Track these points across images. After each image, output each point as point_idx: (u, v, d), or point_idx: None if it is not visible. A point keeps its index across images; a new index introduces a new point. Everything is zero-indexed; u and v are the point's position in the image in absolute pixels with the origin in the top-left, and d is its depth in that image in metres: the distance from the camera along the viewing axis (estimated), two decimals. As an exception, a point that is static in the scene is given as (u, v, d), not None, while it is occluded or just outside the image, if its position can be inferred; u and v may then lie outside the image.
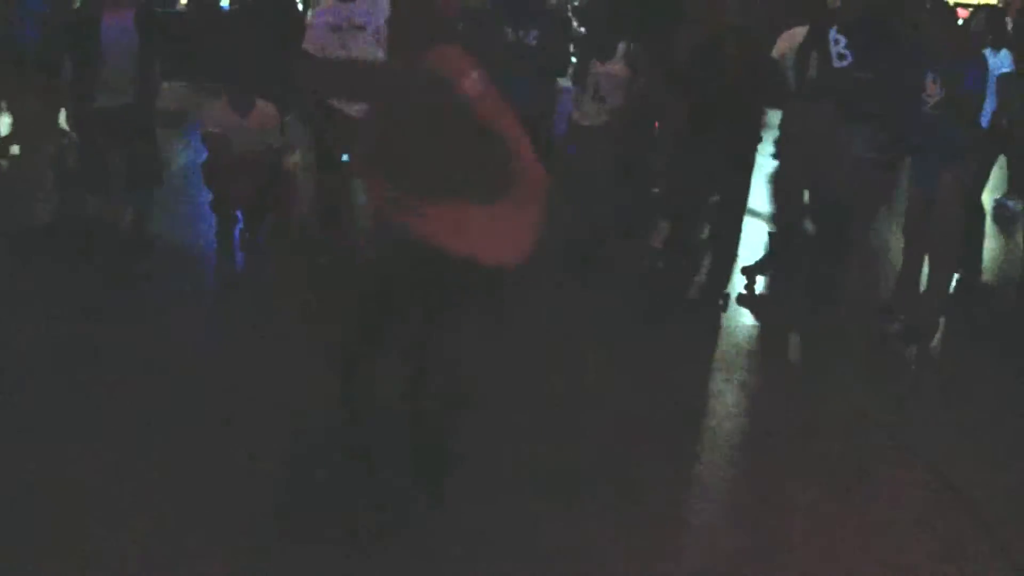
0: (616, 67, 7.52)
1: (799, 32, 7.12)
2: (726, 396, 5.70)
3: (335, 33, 6.79)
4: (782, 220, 7.21)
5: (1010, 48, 8.37)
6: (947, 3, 6.99)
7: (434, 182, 3.83)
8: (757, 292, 7.16)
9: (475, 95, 3.78)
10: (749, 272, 7.25)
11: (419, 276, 4.04)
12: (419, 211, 3.86)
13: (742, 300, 7.02)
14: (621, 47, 7.58)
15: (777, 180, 7.18)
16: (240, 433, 4.76)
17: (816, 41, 6.62)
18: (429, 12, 4.01)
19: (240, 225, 7.33)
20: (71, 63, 6.97)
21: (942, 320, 6.57)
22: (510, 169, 3.82)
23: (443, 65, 3.84)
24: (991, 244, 8.30)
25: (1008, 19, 9.59)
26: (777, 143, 7.44)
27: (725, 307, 6.85)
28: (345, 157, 7.58)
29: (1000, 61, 7.96)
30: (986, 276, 7.78)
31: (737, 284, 7.17)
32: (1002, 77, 7.84)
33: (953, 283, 6.91)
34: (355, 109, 6.71)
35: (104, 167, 7.18)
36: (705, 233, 7.37)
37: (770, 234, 7.36)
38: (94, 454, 4.47)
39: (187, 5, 10.40)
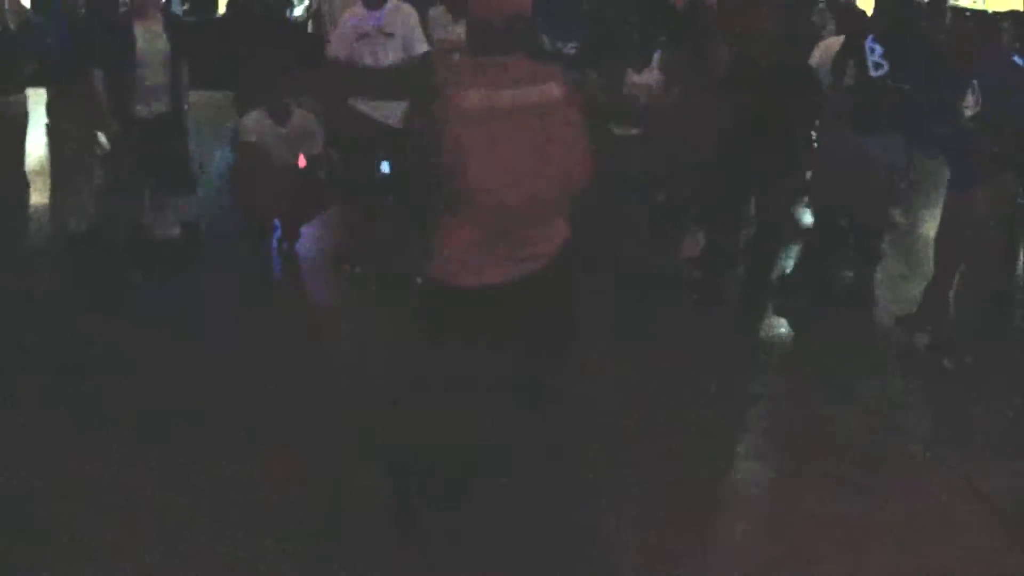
0: (651, 77, 7.56)
1: (836, 42, 7.12)
2: (759, 402, 5.72)
3: (363, 40, 6.88)
4: (819, 228, 7.17)
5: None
6: (984, 11, 6.94)
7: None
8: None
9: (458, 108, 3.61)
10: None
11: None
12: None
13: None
14: (656, 57, 7.63)
15: (813, 189, 7.15)
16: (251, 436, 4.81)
17: (852, 50, 6.60)
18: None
19: (278, 234, 7.40)
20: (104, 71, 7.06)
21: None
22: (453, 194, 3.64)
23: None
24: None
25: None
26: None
27: (760, 316, 6.83)
28: (384, 166, 7.71)
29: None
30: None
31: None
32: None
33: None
34: (382, 114, 6.89)
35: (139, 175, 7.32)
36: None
37: (807, 242, 7.35)
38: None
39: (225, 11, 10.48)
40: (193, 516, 4.17)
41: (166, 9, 7.30)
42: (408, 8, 7.07)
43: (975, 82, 5.87)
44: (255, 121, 7.17)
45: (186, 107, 7.41)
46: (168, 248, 7.29)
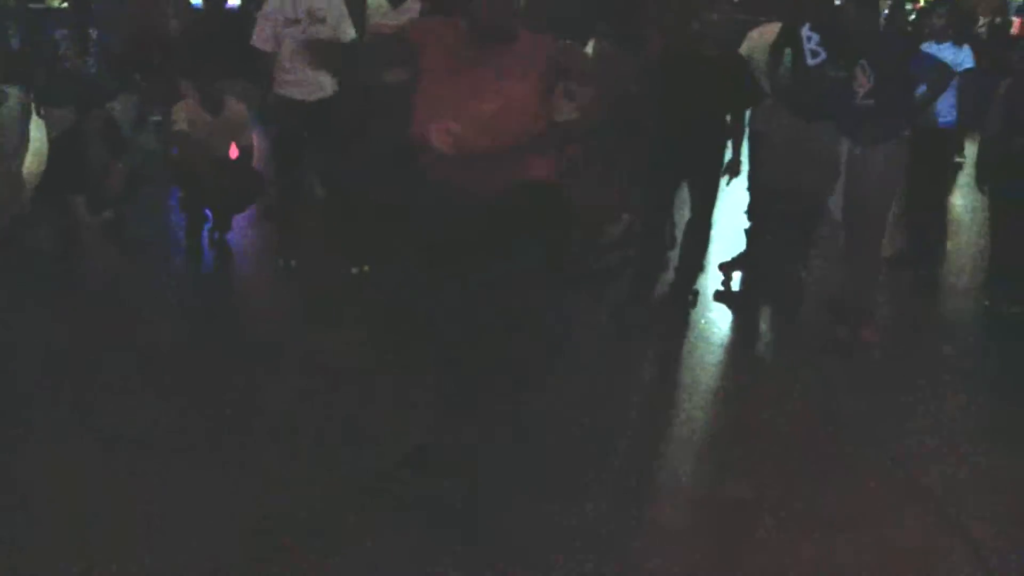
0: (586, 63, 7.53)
1: (768, 29, 7.15)
2: (698, 398, 5.68)
3: (292, 26, 6.88)
4: (757, 216, 7.22)
5: (972, 44, 8.43)
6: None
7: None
8: (733, 288, 7.18)
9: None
10: (726, 268, 7.28)
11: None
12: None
13: (719, 296, 7.05)
14: (591, 44, 7.60)
15: (751, 177, 7.20)
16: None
17: (789, 39, 6.63)
18: None
19: (209, 224, 7.25)
20: None
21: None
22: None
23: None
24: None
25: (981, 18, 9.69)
26: (749, 140, 7.46)
27: (695, 303, 6.87)
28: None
29: (963, 57, 8.00)
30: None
31: (714, 280, 7.22)
32: (964, 74, 7.90)
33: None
34: (305, 94, 6.90)
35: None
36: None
37: (746, 230, 7.40)
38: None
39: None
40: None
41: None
42: (383, 2, 7.20)
43: (863, 62, 6.14)
44: (186, 110, 7.01)
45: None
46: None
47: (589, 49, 7.77)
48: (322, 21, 6.92)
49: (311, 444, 4.69)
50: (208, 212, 7.24)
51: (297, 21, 6.89)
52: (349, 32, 7.04)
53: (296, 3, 6.92)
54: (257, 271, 7.16)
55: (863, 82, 6.18)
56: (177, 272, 6.89)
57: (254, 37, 6.99)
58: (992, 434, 5.26)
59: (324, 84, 6.96)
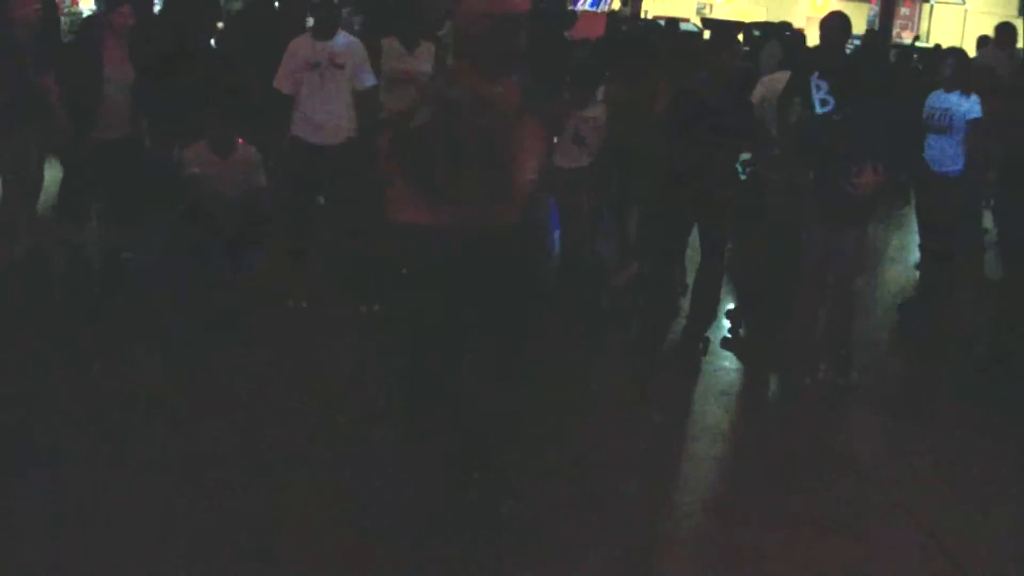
0: (595, 111, 7.60)
1: (778, 77, 7.20)
2: (708, 444, 5.69)
3: (313, 70, 6.89)
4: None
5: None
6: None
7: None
8: (741, 335, 7.16)
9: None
10: (733, 316, 7.27)
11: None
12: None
13: (726, 344, 7.03)
14: (600, 92, 7.66)
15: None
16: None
17: (799, 87, 6.66)
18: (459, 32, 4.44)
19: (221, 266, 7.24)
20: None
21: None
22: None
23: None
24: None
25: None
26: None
27: (705, 351, 6.85)
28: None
29: (970, 106, 8.04)
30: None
31: (722, 328, 7.21)
32: (972, 123, 7.95)
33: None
34: (319, 139, 6.93)
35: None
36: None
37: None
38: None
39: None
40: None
41: (132, 33, 7.15)
42: (357, 42, 7.18)
43: (797, 99, 6.47)
44: (197, 153, 7.03)
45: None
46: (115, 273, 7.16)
47: (599, 95, 7.85)
48: (341, 67, 6.94)
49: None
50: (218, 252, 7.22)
51: (316, 65, 6.90)
52: (368, 79, 7.07)
53: (316, 47, 6.95)
54: (267, 312, 7.10)
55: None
56: (184, 312, 6.83)
57: (275, 78, 7.01)
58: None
59: (341, 129, 6.97)
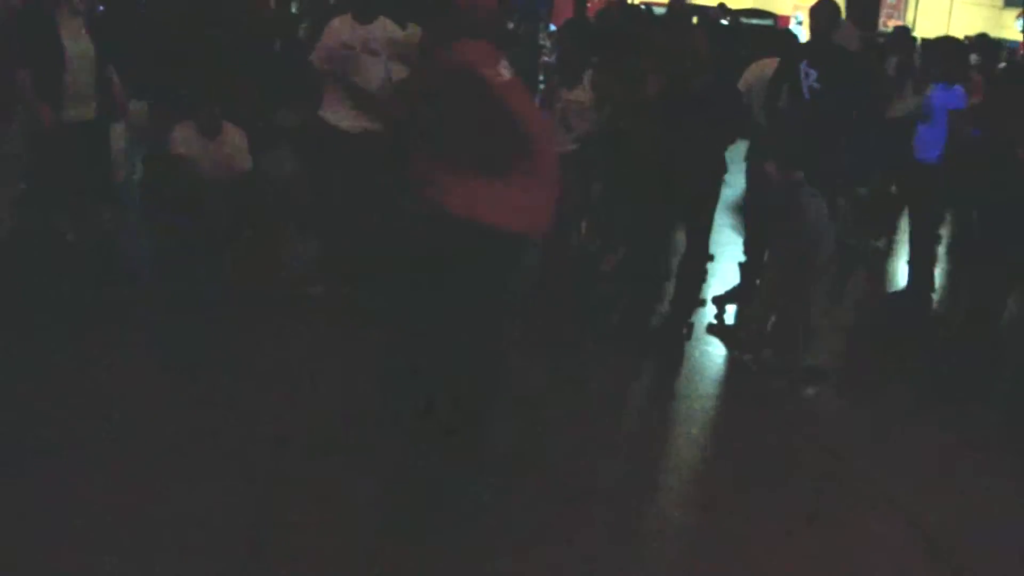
0: (582, 95, 7.59)
1: (766, 64, 7.21)
2: (692, 429, 5.70)
3: (347, 53, 6.77)
4: (753, 250, 7.26)
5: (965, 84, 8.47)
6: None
7: (457, 157, 4.34)
8: (727, 322, 7.18)
9: (499, 82, 4.39)
10: (719, 302, 7.29)
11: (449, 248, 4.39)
12: (443, 184, 4.33)
13: (712, 330, 7.05)
14: (587, 75, 7.65)
15: (747, 210, 7.24)
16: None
17: (787, 74, 6.68)
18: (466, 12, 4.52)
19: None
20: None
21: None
22: (524, 147, 4.39)
23: (471, 56, 4.42)
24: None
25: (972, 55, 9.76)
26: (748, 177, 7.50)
27: (689, 336, 6.87)
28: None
29: (952, 97, 8.04)
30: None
31: (707, 314, 7.22)
32: (953, 114, 7.94)
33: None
34: (347, 123, 6.76)
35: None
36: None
37: (740, 264, 7.42)
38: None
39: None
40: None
41: (90, 11, 7.04)
42: (396, 29, 6.95)
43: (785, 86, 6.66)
44: (183, 133, 6.99)
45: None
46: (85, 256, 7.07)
47: (585, 82, 7.83)
48: (374, 54, 6.78)
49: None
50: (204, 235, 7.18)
51: (351, 47, 6.76)
52: (399, 72, 6.79)
53: (355, 30, 6.79)
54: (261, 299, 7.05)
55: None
56: (171, 298, 6.79)
57: (312, 54, 6.90)
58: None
59: (363, 117, 6.78)
